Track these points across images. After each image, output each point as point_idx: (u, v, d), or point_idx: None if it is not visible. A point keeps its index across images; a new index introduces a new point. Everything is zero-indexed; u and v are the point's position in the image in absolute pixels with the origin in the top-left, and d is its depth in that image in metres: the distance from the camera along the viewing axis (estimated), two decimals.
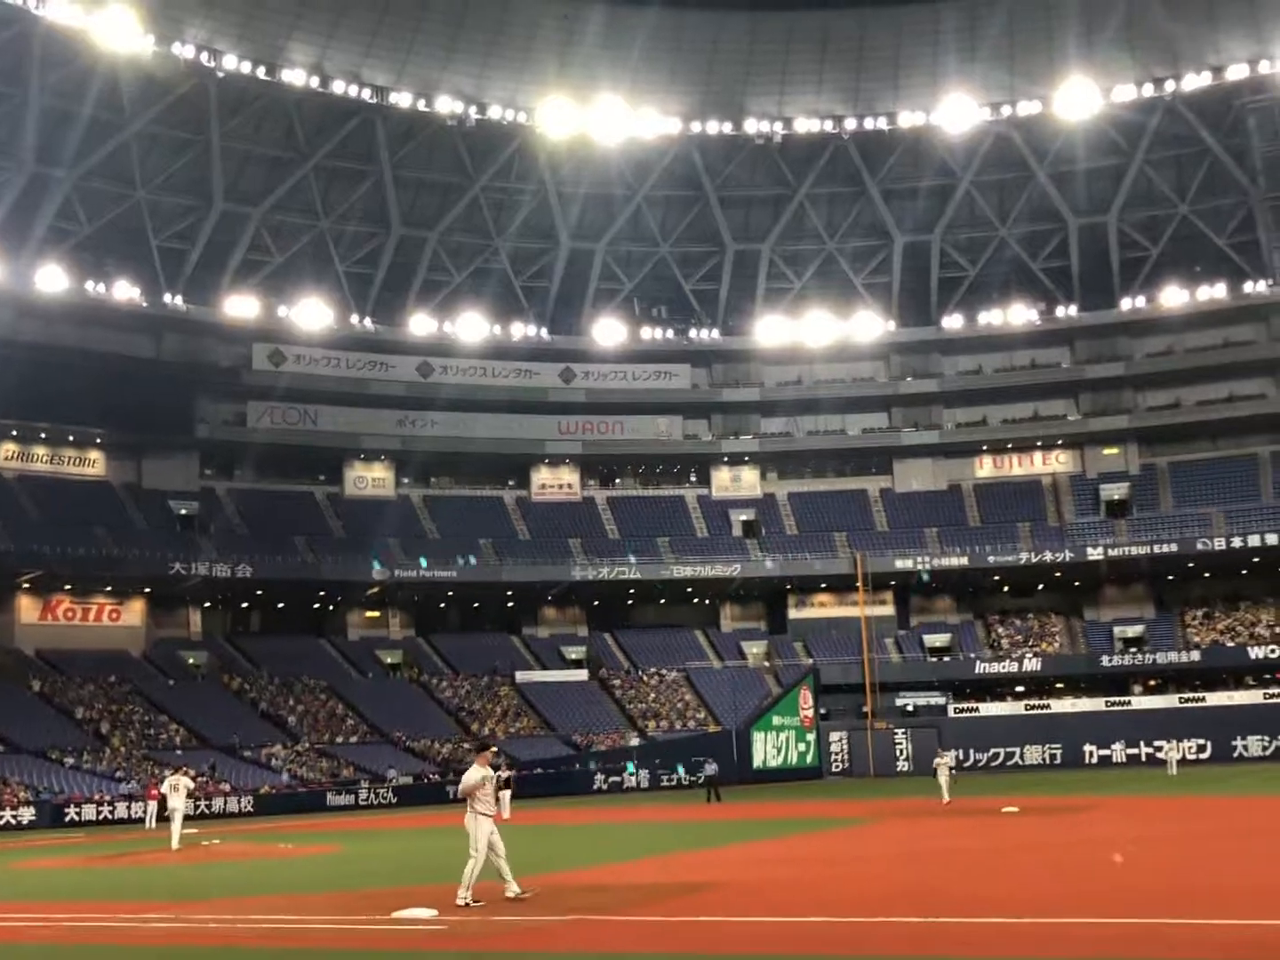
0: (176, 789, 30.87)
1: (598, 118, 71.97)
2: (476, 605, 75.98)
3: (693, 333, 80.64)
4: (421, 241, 76.16)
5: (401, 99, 69.77)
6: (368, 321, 74.84)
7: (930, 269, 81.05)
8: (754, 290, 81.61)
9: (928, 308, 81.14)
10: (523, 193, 77.10)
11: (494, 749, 18.33)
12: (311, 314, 72.61)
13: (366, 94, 69.11)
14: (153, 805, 41.70)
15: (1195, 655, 69.23)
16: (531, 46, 70.01)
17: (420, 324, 75.79)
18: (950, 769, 38.60)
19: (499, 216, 77.50)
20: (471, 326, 76.51)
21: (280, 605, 72.10)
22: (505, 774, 40.17)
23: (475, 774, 16.23)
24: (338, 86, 68.10)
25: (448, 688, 69.56)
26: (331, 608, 73.29)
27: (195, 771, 49.21)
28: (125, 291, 67.29)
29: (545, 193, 76.75)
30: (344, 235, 74.84)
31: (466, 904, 15.48)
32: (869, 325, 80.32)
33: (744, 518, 79.84)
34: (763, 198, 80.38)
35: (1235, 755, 61.81)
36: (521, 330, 77.84)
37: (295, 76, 66.86)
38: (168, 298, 69.06)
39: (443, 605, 75.52)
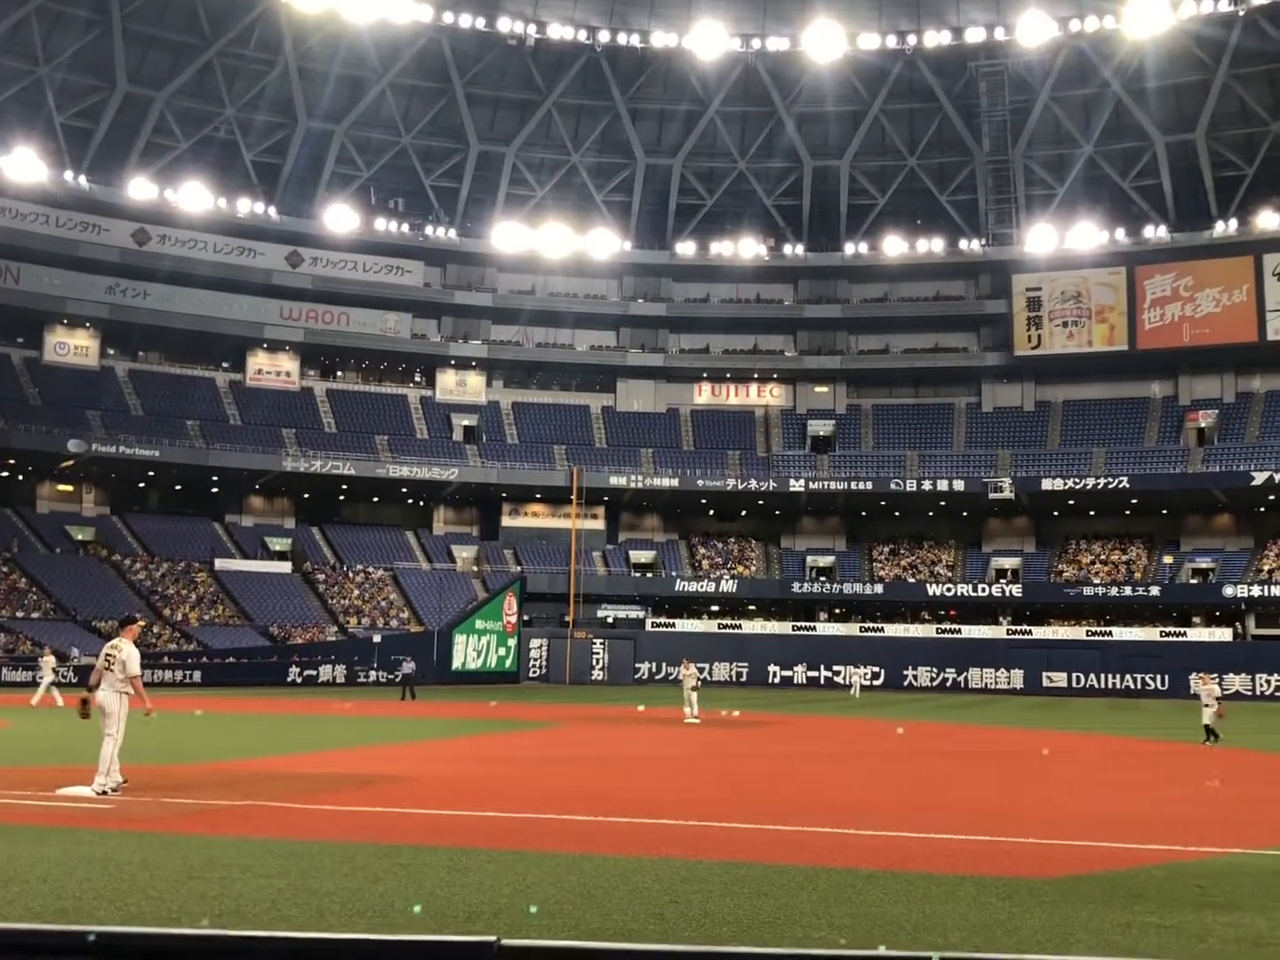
0: None
1: None
2: (179, 488, 73.38)
3: (429, 230, 79.34)
4: (148, 101, 72.18)
5: None
6: (83, 179, 70.52)
7: (669, 193, 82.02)
8: (495, 194, 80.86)
9: (664, 232, 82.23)
10: (262, 63, 73.94)
11: (142, 622, 17.03)
12: (22, 164, 67.85)
13: None
14: None
15: (879, 588, 73.31)
16: None
17: (140, 188, 71.91)
18: (697, 682, 34.99)
19: (234, 85, 74.14)
20: (195, 197, 73.05)
21: None
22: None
23: (134, 651, 15.43)
24: None
25: (141, 569, 67.15)
26: (21, 477, 69.48)
27: None
28: None
29: (286, 66, 73.80)
30: (64, 85, 70.12)
31: (114, 789, 14.74)
32: (606, 243, 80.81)
33: (466, 423, 79.65)
34: (511, 100, 79.50)
35: (905, 684, 65.91)
36: (248, 206, 74.81)
37: None
38: None
39: (142, 485, 72.62)
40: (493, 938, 2.61)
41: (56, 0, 67.01)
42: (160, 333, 73.66)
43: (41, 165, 68.50)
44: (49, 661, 38.86)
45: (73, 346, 72.77)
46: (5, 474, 68.66)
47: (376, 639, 62.67)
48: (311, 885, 9.49)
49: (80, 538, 68.82)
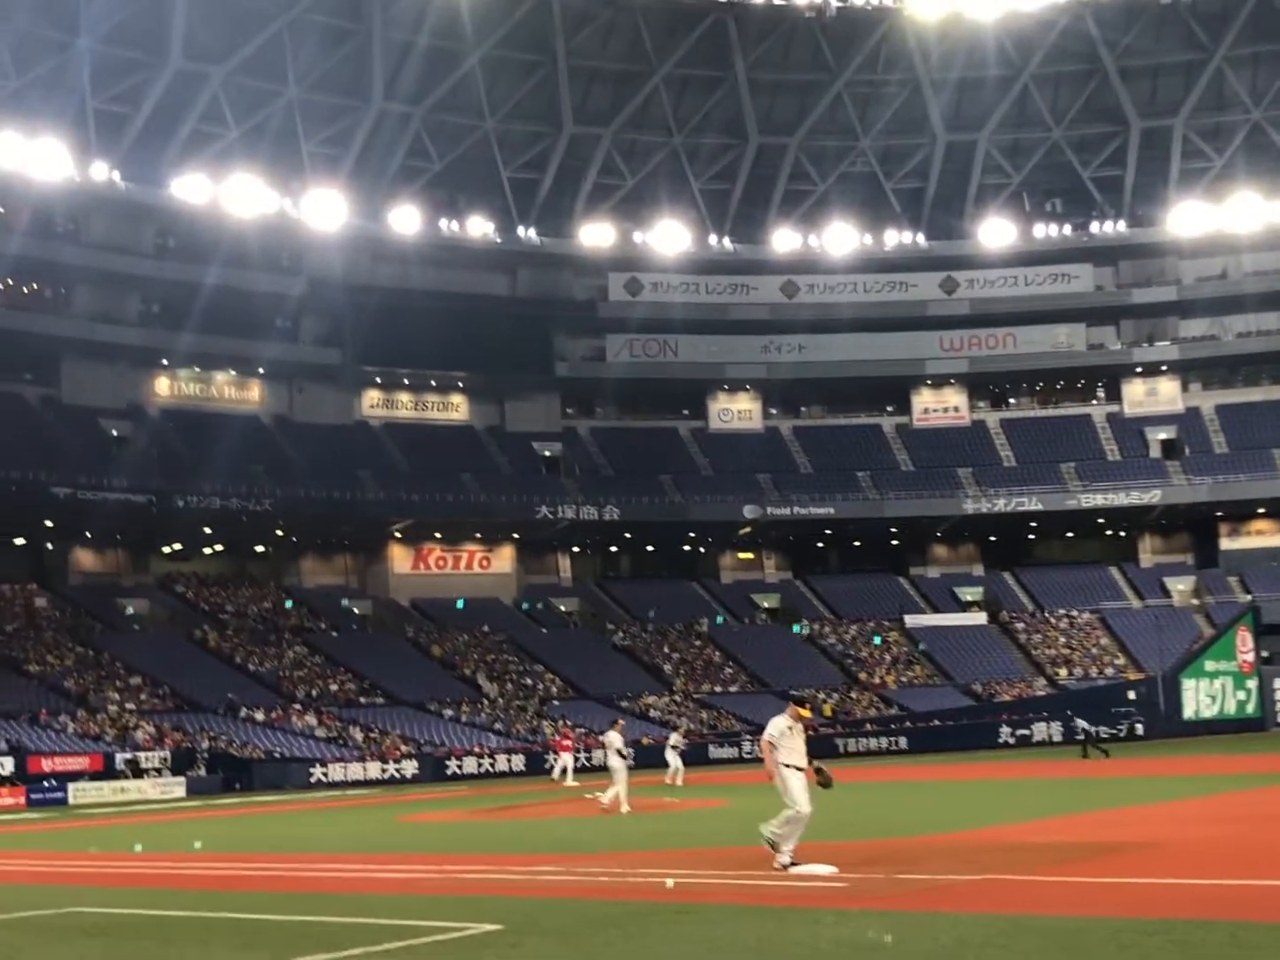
0: (610, 745, 30.00)
1: None
2: (857, 544, 76.27)
3: (1094, 227, 77.68)
4: (781, 149, 76.39)
5: None
6: (726, 241, 75.91)
7: None
8: (1165, 173, 77.59)
9: None
10: (890, 84, 75.88)
11: (809, 706, 17.24)
12: (668, 237, 74.28)
13: None
14: (565, 757, 42.53)
15: None
16: None
17: (783, 239, 76.15)
18: None
19: (864, 113, 76.66)
20: (839, 238, 76.30)
21: (649, 548, 74.67)
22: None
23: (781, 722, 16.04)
24: None
25: (830, 633, 70.24)
26: (702, 549, 75.26)
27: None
28: (478, 228, 70.93)
29: (916, 81, 75.29)
30: (698, 149, 76.04)
31: (786, 866, 15.28)
32: None
33: (1163, 436, 76.71)
34: (1172, 65, 76.07)
35: None
36: (895, 238, 76.96)
37: None
38: (520, 231, 72.30)
39: (820, 544, 76.20)
40: None
41: (682, 65, 72.60)
42: (817, 384, 77.29)
43: (686, 235, 74.58)
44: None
45: (736, 411, 78.06)
46: (687, 547, 74.69)
47: (1130, 694, 60.64)
48: None
49: (766, 604, 73.28)
